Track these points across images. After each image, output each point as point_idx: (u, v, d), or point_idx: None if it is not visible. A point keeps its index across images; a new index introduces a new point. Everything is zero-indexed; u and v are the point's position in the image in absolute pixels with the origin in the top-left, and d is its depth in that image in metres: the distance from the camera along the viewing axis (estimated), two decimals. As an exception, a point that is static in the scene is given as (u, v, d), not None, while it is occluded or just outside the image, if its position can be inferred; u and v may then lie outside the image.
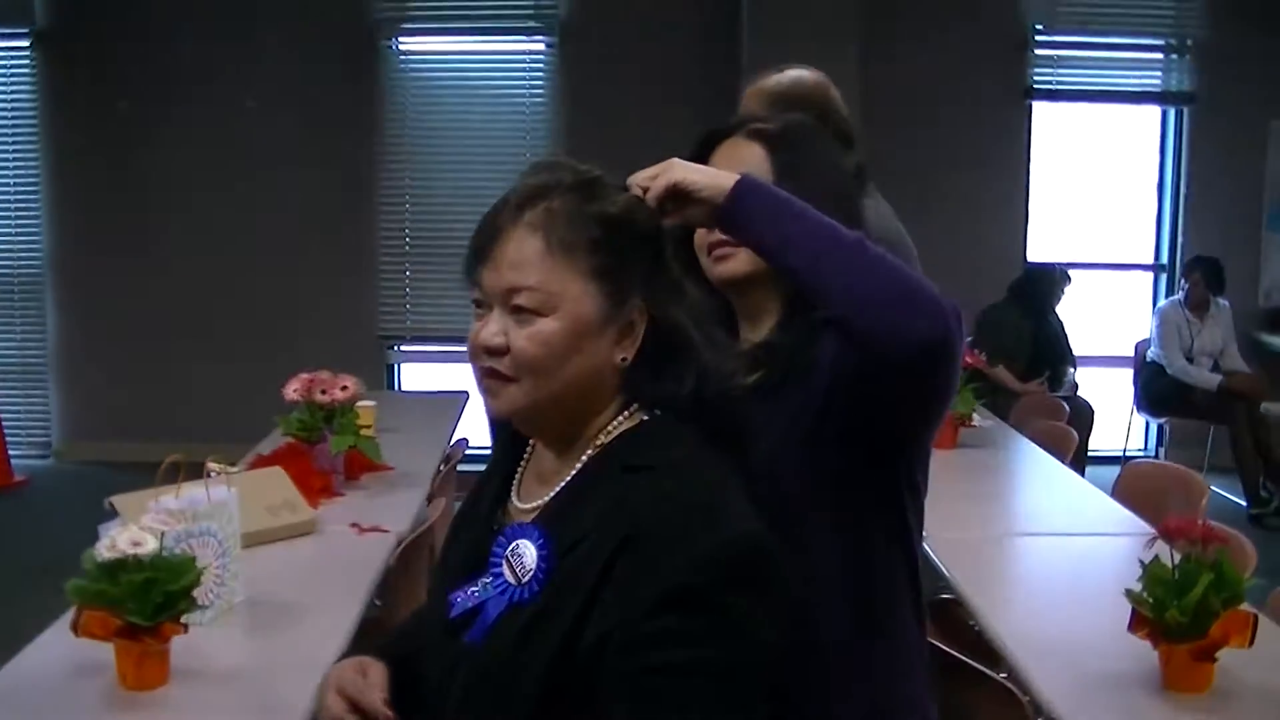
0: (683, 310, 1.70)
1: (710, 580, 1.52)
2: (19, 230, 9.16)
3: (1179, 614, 2.58)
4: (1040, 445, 5.40)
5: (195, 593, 2.68)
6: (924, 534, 2.97)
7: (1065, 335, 8.26)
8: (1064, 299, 8.21)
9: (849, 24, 8.08)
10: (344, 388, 4.34)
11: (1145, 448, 9.36)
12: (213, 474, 3.55)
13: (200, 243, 9.06)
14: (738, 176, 1.77)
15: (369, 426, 4.77)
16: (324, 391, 4.31)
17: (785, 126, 2.07)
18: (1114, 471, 5.17)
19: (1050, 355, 8.03)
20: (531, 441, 1.81)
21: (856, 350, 1.75)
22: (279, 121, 8.99)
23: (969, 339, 7.61)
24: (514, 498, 1.78)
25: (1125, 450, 8.87)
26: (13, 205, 9.15)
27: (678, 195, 1.75)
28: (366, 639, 3.22)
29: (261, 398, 4.52)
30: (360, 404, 4.70)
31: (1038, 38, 9.02)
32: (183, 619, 2.60)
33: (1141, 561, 2.69)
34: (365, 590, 3.36)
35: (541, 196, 1.66)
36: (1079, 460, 7.08)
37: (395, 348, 9.38)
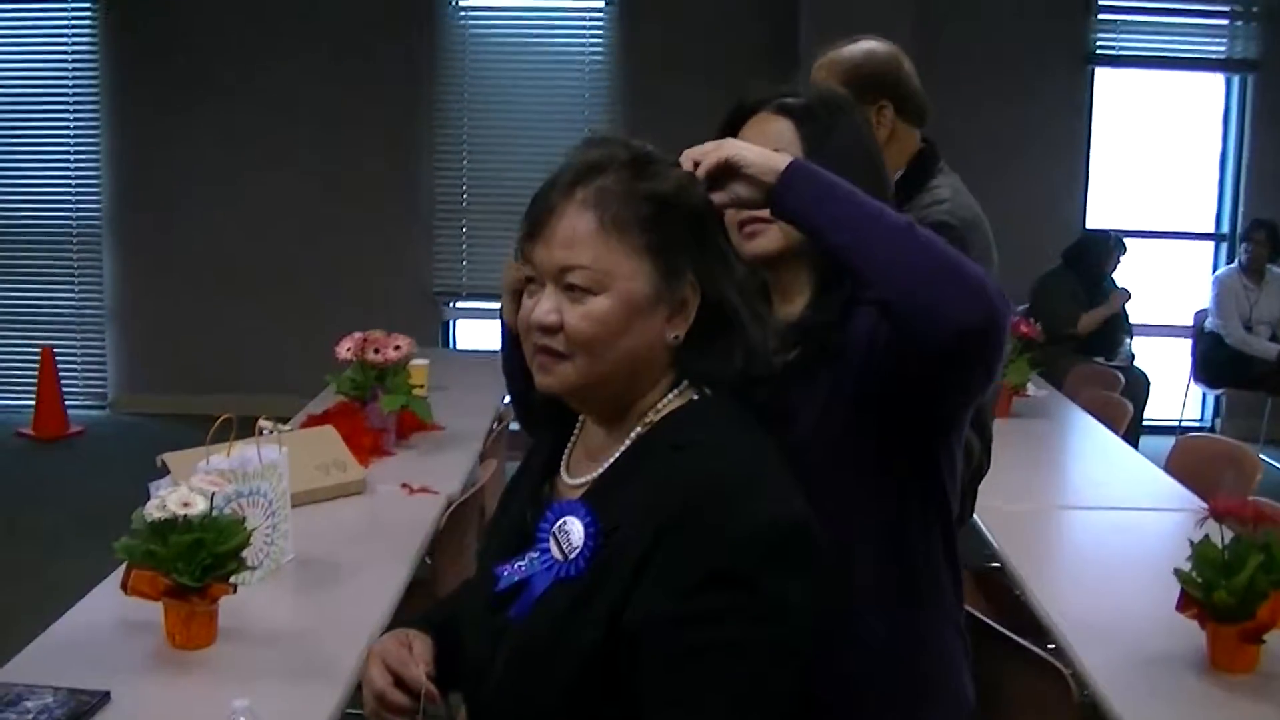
0: (733, 287, 1.70)
1: (753, 562, 1.53)
2: (79, 184, 9.23)
3: (1227, 595, 2.55)
4: (1094, 416, 5.36)
5: (244, 554, 2.70)
6: (975, 504, 2.98)
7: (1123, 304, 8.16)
8: (1119, 267, 8.11)
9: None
10: (397, 347, 4.36)
11: (1201, 419, 9.28)
12: (264, 432, 3.58)
13: (257, 198, 9.11)
14: (790, 158, 1.76)
15: (421, 386, 4.80)
16: (377, 351, 4.33)
17: (813, 101, 2.05)
18: (1169, 443, 5.12)
19: (1106, 324, 7.94)
20: (581, 417, 1.81)
21: (899, 333, 1.74)
22: (336, 77, 9.01)
23: (1023, 307, 7.59)
24: (563, 472, 1.79)
25: (1181, 421, 8.79)
26: (73, 159, 9.21)
27: (729, 172, 1.74)
28: (414, 601, 3.27)
29: (316, 352, 4.54)
30: (413, 363, 4.72)
31: (1101, 2, 8.91)
32: (231, 580, 2.62)
33: (1191, 541, 2.67)
34: (413, 552, 3.38)
35: (595, 173, 1.66)
36: (1133, 431, 7.04)
37: (450, 304, 9.40)
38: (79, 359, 9.37)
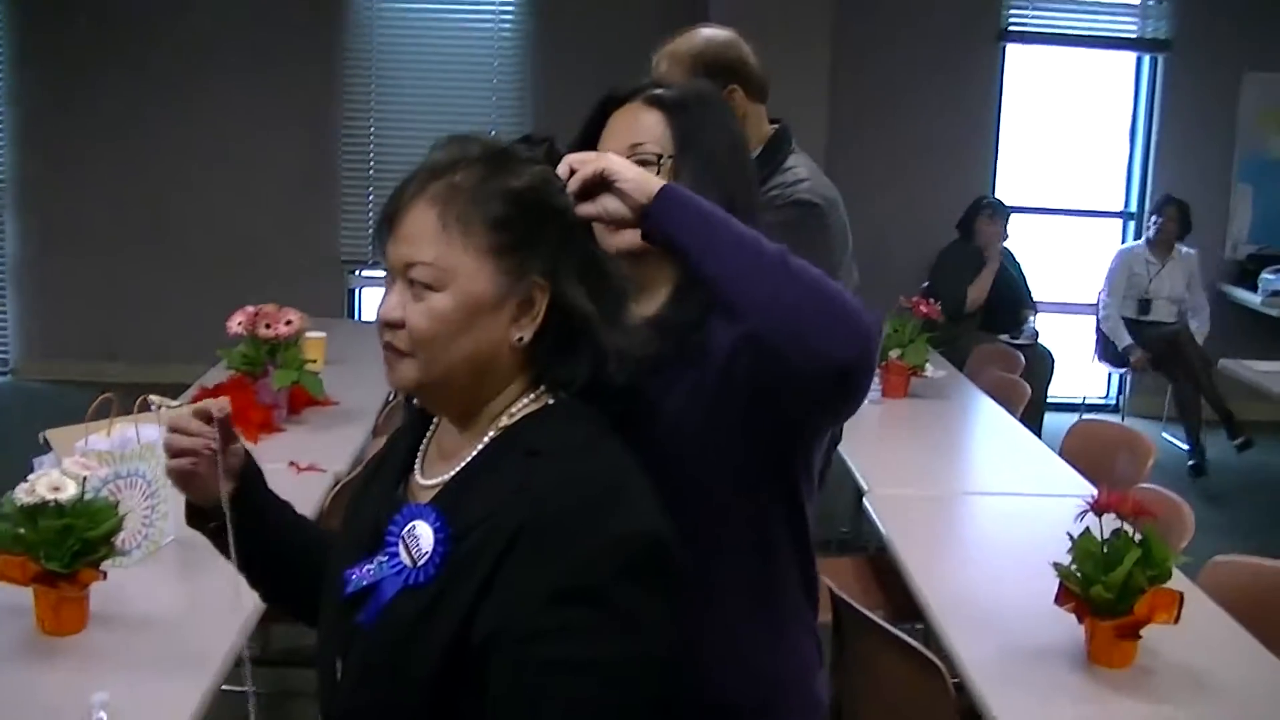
0: (588, 290, 1.67)
1: (607, 576, 1.51)
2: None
3: (1105, 590, 2.58)
4: (992, 398, 5.38)
5: (118, 538, 2.66)
6: (867, 486, 2.98)
7: (1024, 278, 8.19)
8: (1000, 230, 8.01)
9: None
10: (288, 322, 4.30)
11: (1106, 396, 9.38)
12: (154, 408, 3.51)
13: (163, 162, 8.95)
14: (664, 181, 1.74)
15: (316, 360, 4.74)
16: (268, 325, 4.26)
17: (685, 93, 2.03)
18: (1072, 419, 5.14)
19: (1004, 297, 7.94)
20: (437, 416, 1.79)
21: (767, 361, 1.72)
22: (245, 41, 8.86)
23: (925, 285, 7.62)
24: (417, 472, 1.76)
25: (1085, 399, 8.90)
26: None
27: (602, 184, 1.72)
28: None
29: (222, 318, 4.45)
30: (310, 335, 4.67)
31: (1012, -22, 8.95)
32: (102, 565, 2.57)
33: (1070, 535, 2.68)
34: (297, 533, 3.33)
35: (447, 171, 1.64)
36: (1037, 409, 7.13)
37: (357, 272, 9.28)
38: (-23, 323, 9.19)
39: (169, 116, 8.89)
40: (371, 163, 9.17)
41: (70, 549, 2.50)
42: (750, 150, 2.34)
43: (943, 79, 8.90)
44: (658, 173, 1.91)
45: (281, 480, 3.64)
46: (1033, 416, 7.16)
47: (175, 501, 3.11)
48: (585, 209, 1.72)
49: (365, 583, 1.66)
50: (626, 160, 1.77)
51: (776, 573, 1.98)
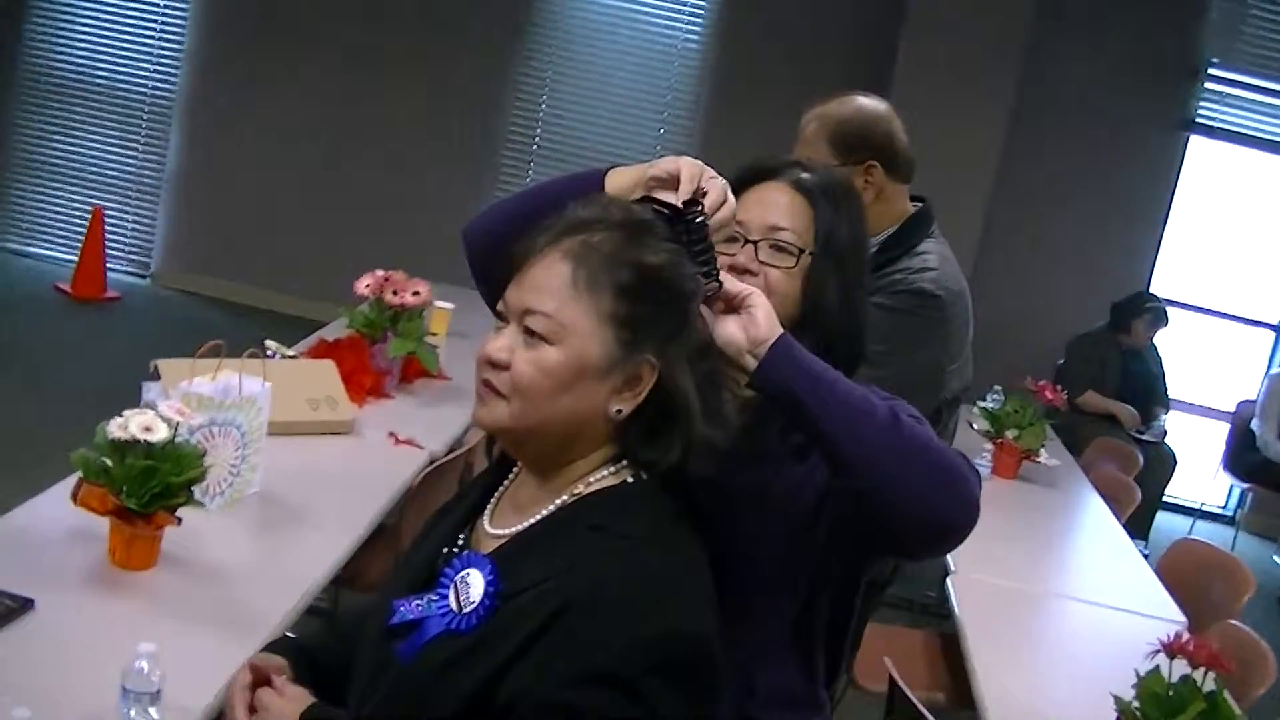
0: (692, 378, 1.66)
1: (641, 668, 1.50)
2: (160, 53, 9.22)
3: (1162, 734, 2.52)
4: (1102, 495, 5.27)
5: (204, 483, 2.71)
6: (954, 566, 2.93)
7: (1163, 375, 8.01)
8: (1154, 334, 7.86)
9: (1017, 23, 7.92)
10: (415, 292, 4.32)
11: (1225, 506, 9.14)
12: (269, 354, 3.57)
13: (335, 108, 9.12)
14: (781, 330, 1.73)
15: (438, 334, 4.77)
16: (395, 293, 4.29)
17: (829, 185, 2.03)
18: (1186, 523, 4.95)
19: (1139, 391, 7.78)
20: (518, 466, 1.79)
21: (868, 513, 1.71)
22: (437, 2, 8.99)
23: (1059, 362, 7.50)
24: (486, 518, 1.77)
25: (1203, 505, 8.69)
26: (159, 28, 9.20)
27: (738, 308, 1.73)
28: (370, 556, 3.26)
29: (359, 269, 4.48)
30: (436, 305, 4.70)
31: (1210, 70, 8.74)
32: (178, 511, 2.61)
33: (1136, 672, 2.62)
34: (380, 506, 3.38)
35: (585, 229, 1.65)
36: (1150, 507, 6.98)
37: (501, 250, 9.30)
38: (129, 226, 9.40)
39: (350, 64, 9.04)
40: (535, 148, 9.23)
41: (151, 490, 2.53)
42: (882, 230, 2.31)
43: (1119, 161, 8.75)
44: (794, 265, 1.93)
45: (378, 450, 3.73)
46: (1145, 515, 7.02)
47: (272, 452, 3.18)
48: (710, 319, 1.72)
49: (410, 617, 1.68)
50: (769, 305, 1.75)
51: (810, 674, 1.98)
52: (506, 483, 1.81)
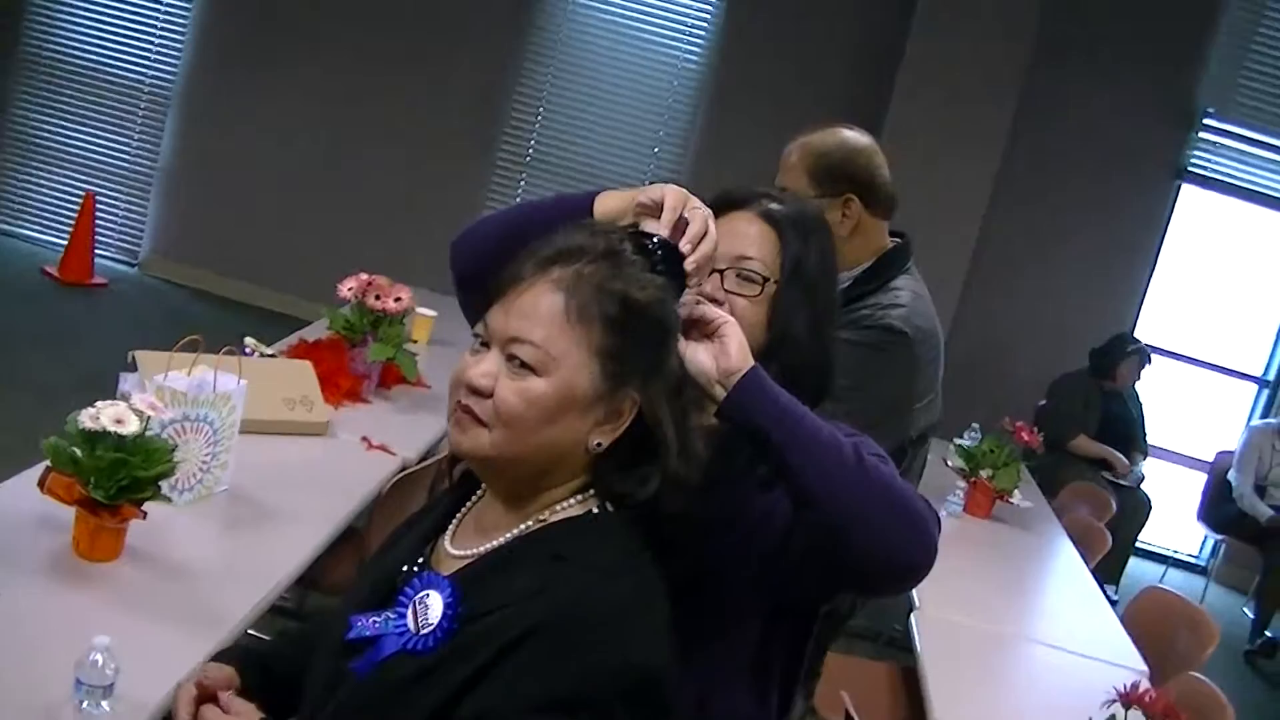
0: (671, 415, 1.66)
1: (597, 698, 1.50)
2: (161, 43, 9.23)
3: (1114, 783, 2.52)
4: (1073, 539, 5.28)
5: (173, 478, 2.71)
6: (918, 602, 2.94)
7: (1142, 420, 7.98)
8: (1138, 378, 7.86)
9: (1016, 66, 7.95)
10: (398, 299, 4.31)
11: (1198, 556, 9.14)
12: (247, 351, 3.56)
13: (333, 105, 9.12)
14: (751, 363, 1.74)
15: (419, 340, 4.78)
16: (378, 297, 4.29)
17: (798, 216, 2.04)
18: (1158, 570, 4.93)
19: (1119, 435, 7.76)
20: (484, 486, 1.78)
21: (826, 546, 1.72)
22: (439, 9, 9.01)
23: (1040, 404, 7.52)
24: (447, 538, 1.76)
25: (1176, 552, 8.69)
26: (161, 18, 9.21)
27: (709, 334, 1.74)
28: (334, 560, 3.26)
29: (347, 270, 4.48)
30: (419, 312, 4.70)
31: (1205, 120, 8.77)
32: (145, 505, 2.60)
33: None
34: (348, 509, 3.37)
35: (575, 258, 1.64)
36: (1123, 553, 6.98)
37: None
38: (120, 214, 9.40)
39: (349, 65, 9.05)
40: (528, 158, 9.24)
41: (119, 482, 2.53)
42: (858, 264, 2.31)
43: (1111, 205, 8.77)
44: (759, 293, 1.93)
45: (351, 453, 3.72)
46: (1118, 560, 7.04)
47: (244, 450, 3.17)
48: (681, 346, 1.72)
49: (367, 633, 1.67)
50: (743, 336, 1.76)
51: (759, 696, 1.97)
52: (471, 502, 1.80)
